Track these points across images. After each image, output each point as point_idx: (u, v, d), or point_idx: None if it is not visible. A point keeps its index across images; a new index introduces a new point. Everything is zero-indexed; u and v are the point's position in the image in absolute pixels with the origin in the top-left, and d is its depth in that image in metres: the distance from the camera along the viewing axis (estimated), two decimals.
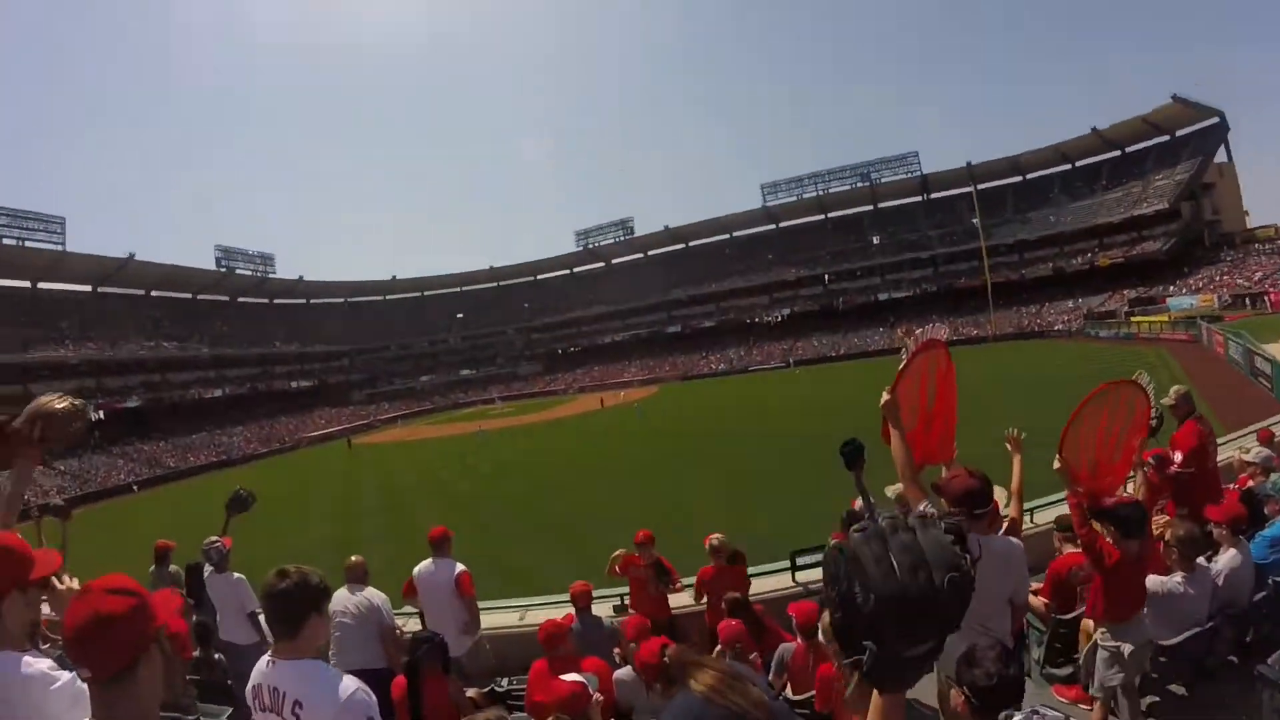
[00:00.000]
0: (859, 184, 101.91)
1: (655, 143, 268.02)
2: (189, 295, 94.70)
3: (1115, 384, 4.80)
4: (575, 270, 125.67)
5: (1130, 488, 5.64)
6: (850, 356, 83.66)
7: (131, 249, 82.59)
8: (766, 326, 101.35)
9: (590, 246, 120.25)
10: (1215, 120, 72.29)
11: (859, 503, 5.16)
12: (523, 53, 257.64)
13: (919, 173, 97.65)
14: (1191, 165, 71.50)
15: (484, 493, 26.46)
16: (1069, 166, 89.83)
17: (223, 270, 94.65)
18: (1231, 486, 6.53)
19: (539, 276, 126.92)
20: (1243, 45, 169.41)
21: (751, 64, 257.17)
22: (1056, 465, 4.49)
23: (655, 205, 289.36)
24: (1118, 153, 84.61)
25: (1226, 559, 4.67)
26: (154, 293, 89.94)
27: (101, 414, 69.43)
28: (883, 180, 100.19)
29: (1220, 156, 72.79)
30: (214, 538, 6.37)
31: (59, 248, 74.00)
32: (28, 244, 71.82)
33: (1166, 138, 78.55)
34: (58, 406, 2.71)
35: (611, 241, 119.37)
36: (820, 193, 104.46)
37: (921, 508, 3.05)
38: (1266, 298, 56.63)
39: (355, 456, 52.96)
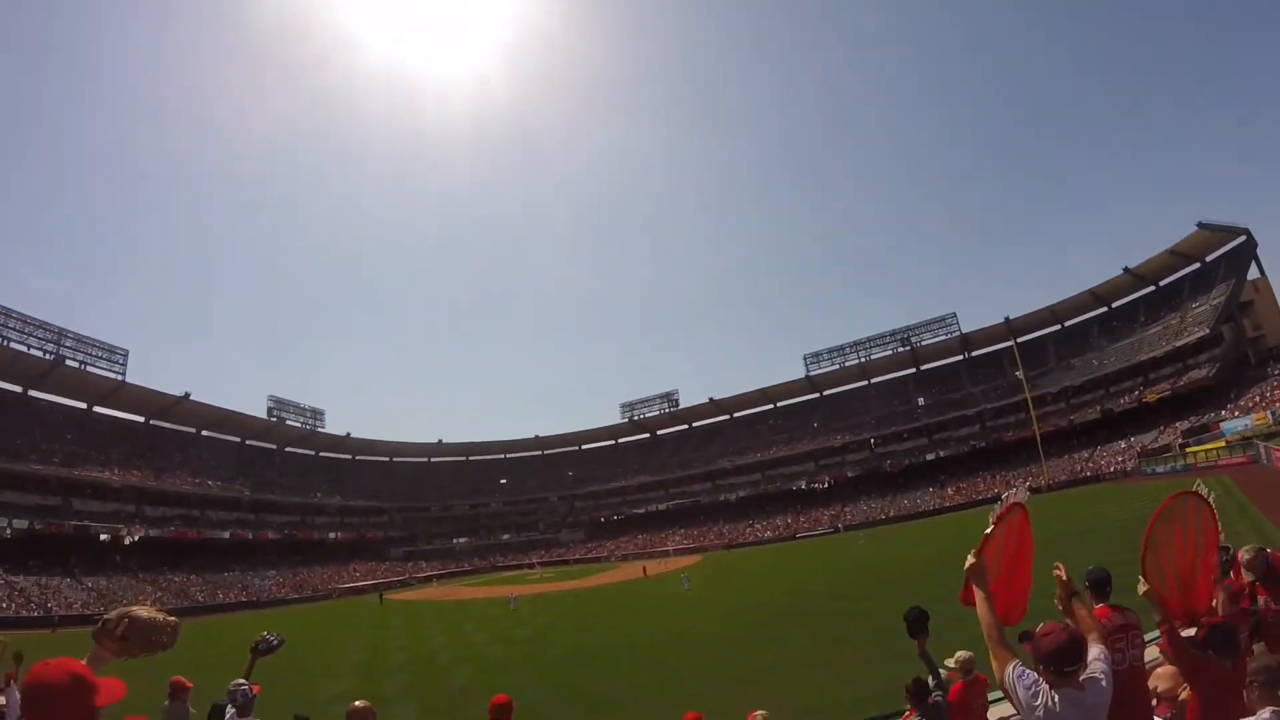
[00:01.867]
0: (900, 348, 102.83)
1: (699, 319, 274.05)
2: (238, 439, 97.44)
3: (1177, 496, 4.60)
4: (620, 441, 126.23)
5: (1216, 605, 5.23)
6: (900, 519, 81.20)
7: (188, 387, 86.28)
8: (813, 492, 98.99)
9: (635, 418, 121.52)
10: (1242, 239, 72.23)
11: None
12: (565, 228, 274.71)
13: (958, 332, 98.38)
14: (1226, 287, 70.86)
15: (517, 659, 24.39)
16: (1105, 309, 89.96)
17: (273, 420, 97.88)
18: None
19: (583, 446, 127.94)
20: (1259, 156, 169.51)
21: (789, 242, 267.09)
22: (1142, 590, 4.29)
23: (700, 378, 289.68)
24: (1152, 288, 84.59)
25: None
26: (204, 432, 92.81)
27: (137, 538, 70.22)
28: (923, 343, 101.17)
29: (1253, 273, 72.07)
30: (241, 680, 6.12)
31: (119, 378, 77.87)
32: (89, 369, 75.78)
33: (1197, 265, 78.48)
34: (144, 616, 2.73)
35: (657, 413, 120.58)
36: (862, 359, 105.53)
37: (1010, 669, 3.04)
38: None
39: (387, 612, 51.69)
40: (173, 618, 2.78)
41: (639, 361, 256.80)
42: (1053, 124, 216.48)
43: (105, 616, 2.63)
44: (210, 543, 78.69)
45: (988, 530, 3.89)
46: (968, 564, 3.56)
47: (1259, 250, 72.43)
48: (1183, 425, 67.17)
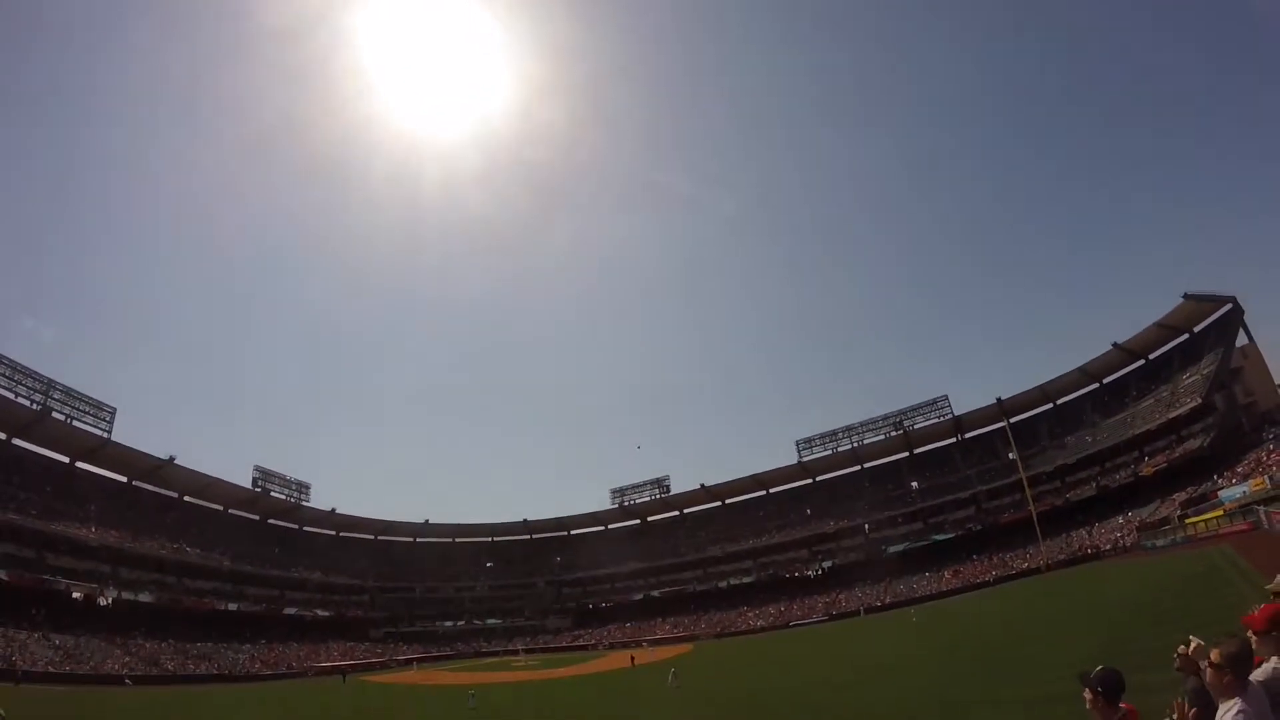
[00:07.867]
0: (893, 433, 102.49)
1: (691, 404, 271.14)
2: (220, 508, 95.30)
3: None
4: (610, 527, 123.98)
5: None
6: (896, 605, 79.52)
7: (173, 450, 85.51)
8: (807, 580, 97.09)
9: (626, 504, 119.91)
10: (1229, 307, 73.10)
11: None
12: (556, 315, 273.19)
13: (950, 415, 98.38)
14: (1215, 356, 71.29)
15: None
16: (1097, 385, 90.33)
17: (258, 490, 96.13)
18: None
19: (572, 531, 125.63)
20: (1246, 218, 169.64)
21: (779, 329, 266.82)
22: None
23: (691, 464, 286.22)
24: (1142, 361, 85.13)
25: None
26: (187, 498, 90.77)
27: (110, 600, 67.92)
28: (916, 426, 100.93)
29: (1241, 339, 72.63)
30: None
31: (105, 434, 76.75)
32: (75, 424, 74.59)
33: (1186, 336, 79.09)
34: None
35: (647, 499, 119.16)
36: (855, 444, 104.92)
37: None
38: None
39: (352, 693, 50.03)
40: None
41: (630, 446, 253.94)
42: (1038, 206, 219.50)
43: None
44: (185, 611, 75.88)
45: None
46: None
47: (1246, 316, 73.28)
48: (1181, 496, 66.58)
